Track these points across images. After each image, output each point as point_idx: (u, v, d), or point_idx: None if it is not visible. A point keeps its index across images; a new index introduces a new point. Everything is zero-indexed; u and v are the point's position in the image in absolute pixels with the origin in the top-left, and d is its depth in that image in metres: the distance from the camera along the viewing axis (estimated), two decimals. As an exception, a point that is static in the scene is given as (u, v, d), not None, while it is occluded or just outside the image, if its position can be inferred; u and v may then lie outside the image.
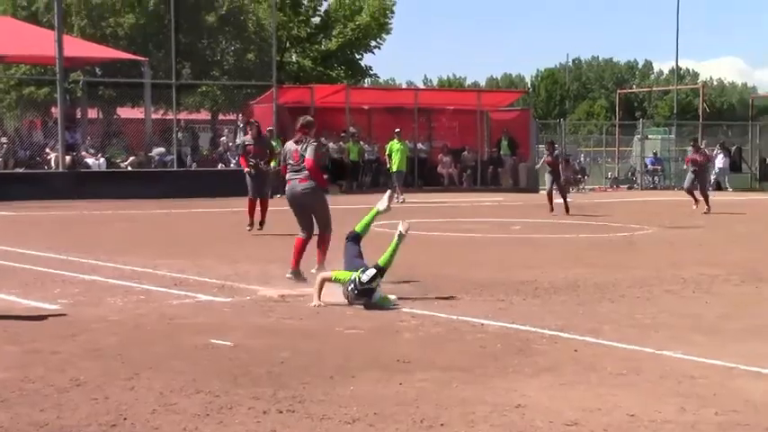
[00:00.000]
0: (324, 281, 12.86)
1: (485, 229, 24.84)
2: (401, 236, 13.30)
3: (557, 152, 31.89)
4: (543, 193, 45.02)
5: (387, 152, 38.58)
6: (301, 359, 9.64)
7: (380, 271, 12.62)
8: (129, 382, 8.68)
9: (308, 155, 14.96)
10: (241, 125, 45.91)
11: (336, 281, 12.79)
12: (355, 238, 13.72)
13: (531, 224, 26.80)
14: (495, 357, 9.73)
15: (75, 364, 9.34)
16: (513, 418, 7.56)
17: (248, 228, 22.45)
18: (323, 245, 15.14)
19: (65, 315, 12.22)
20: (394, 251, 13.06)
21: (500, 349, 10.12)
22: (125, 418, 7.52)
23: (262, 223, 22.67)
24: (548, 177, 31.37)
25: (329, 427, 7.33)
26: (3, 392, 8.29)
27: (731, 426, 7.48)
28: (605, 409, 7.83)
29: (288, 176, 15.26)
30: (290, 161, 15.17)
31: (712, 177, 51.33)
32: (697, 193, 32.12)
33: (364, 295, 12.44)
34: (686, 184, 32.80)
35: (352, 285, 12.47)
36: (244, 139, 25.22)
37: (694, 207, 31.50)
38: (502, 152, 48.28)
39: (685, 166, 33.35)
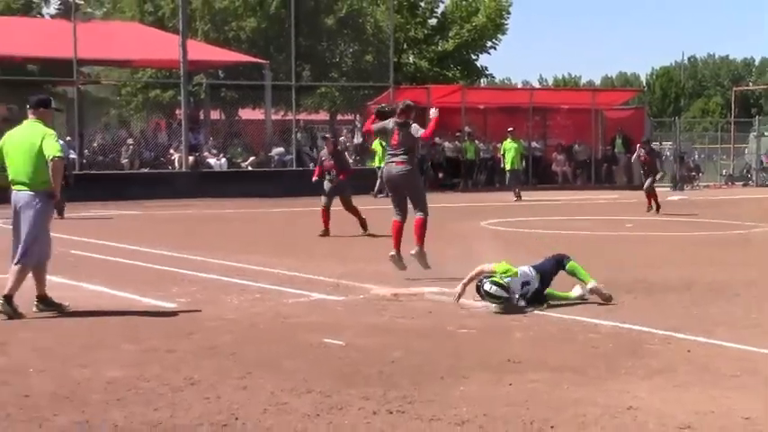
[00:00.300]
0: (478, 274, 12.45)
1: (598, 227, 24.45)
2: (581, 297, 12.81)
3: (649, 147, 30.99)
4: (659, 190, 44.72)
5: (501, 151, 38.46)
6: (413, 359, 9.51)
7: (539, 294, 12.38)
8: (242, 381, 8.64)
9: (419, 133, 15.30)
10: (359, 125, 46.04)
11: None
12: (559, 263, 12.90)
13: (645, 222, 26.32)
14: (607, 358, 9.51)
15: (190, 363, 9.34)
16: (624, 421, 7.36)
17: (321, 234, 22.01)
18: (419, 228, 15.11)
19: (182, 313, 12.28)
20: (561, 297, 12.72)
21: (612, 350, 9.90)
22: (237, 418, 7.47)
23: (364, 226, 22.28)
24: (643, 176, 30.54)
25: (438, 429, 7.19)
26: (119, 391, 8.31)
27: None
28: (719, 412, 7.59)
29: (386, 159, 15.58)
30: (389, 143, 15.37)
31: None
32: None
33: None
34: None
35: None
36: (321, 153, 24.65)
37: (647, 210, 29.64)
38: (616, 150, 47.87)
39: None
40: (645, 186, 29.87)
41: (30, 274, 12.12)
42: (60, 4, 50.42)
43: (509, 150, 37.16)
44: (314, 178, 23.26)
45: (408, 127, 15.17)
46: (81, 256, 18.19)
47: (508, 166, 37.28)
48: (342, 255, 18.18)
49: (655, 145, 51.77)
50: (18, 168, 11.99)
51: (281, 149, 42.66)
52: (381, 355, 9.68)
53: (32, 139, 12.05)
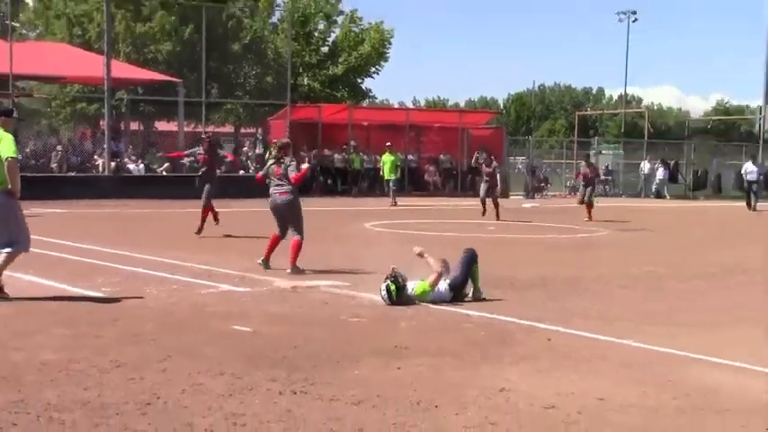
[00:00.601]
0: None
1: (465, 229, 24.49)
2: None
3: (494, 165, 29.70)
4: (513, 198, 45.21)
5: (381, 163, 38.68)
6: (312, 345, 9.39)
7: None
8: (162, 364, 8.45)
9: (291, 173, 15.14)
10: (260, 138, 45.82)
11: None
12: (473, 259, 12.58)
13: (504, 225, 26.45)
14: (480, 346, 9.48)
15: (116, 348, 9.11)
16: (498, 402, 7.34)
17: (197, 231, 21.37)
18: (295, 248, 14.99)
19: (107, 302, 11.99)
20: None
21: (484, 338, 9.89)
22: (158, 398, 7.30)
23: (200, 229, 21.35)
24: (483, 186, 29.24)
25: (337, 408, 7.09)
26: (52, 372, 8.08)
27: (687, 409, 7.28)
28: (578, 394, 7.61)
29: (271, 189, 15.38)
30: (273, 177, 15.29)
31: (654, 187, 51.40)
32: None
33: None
34: (581, 195, 31.05)
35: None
36: (196, 149, 23.78)
37: (586, 219, 28.91)
38: (480, 162, 48.02)
39: (575, 181, 31.50)
40: (585, 197, 29.93)
41: None
42: (-2, 26, 49.56)
43: (386, 162, 37.27)
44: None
45: (286, 162, 15.18)
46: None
47: (386, 176, 37.29)
48: (247, 251, 17.90)
49: (511, 159, 52.59)
50: None
51: (191, 158, 42.19)
52: (284, 341, 9.54)
53: None
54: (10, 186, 11.80)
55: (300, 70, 53.31)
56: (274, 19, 53.80)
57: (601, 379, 8.11)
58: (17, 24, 48.28)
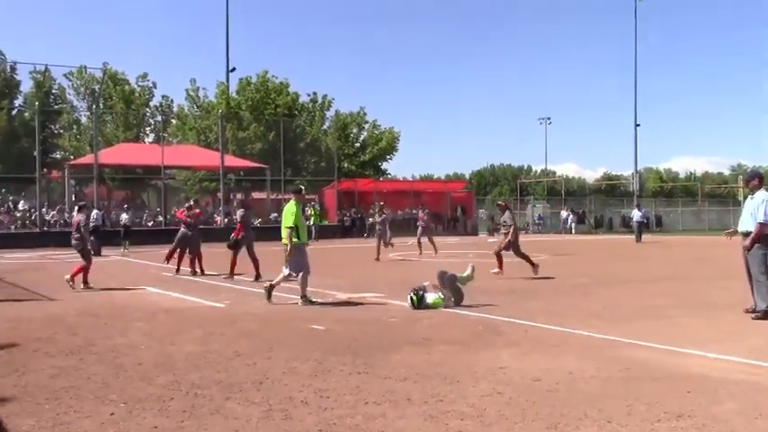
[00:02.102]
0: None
1: (454, 256, 23.79)
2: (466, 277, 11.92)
3: (384, 215, 24.29)
4: (480, 236, 44.61)
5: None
6: (366, 338, 8.83)
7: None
8: (267, 353, 7.93)
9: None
10: (317, 201, 45.51)
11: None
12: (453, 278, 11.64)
13: (478, 253, 25.66)
14: (480, 336, 8.87)
15: (236, 342, 8.60)
16: (500, 377, 6.76)
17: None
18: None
19: (228, 310, 11.52)
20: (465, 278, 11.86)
21: (482, 331, 9.26)
22: (267, 378, 6.77)
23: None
24: (378, 232, 23.74)
25: (390, 383, 6.53)
26: (194, 360, 7.60)
27: (631, 378, 6.67)
28: (553, 369, 7.02)
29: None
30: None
31: (572, 226, 50.63)
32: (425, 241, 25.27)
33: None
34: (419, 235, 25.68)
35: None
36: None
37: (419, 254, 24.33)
38: (458, 214, 47.90)
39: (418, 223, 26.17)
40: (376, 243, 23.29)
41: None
42: (155, 136, 49.69)
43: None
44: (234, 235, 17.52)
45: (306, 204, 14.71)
46: (170, 277, 17.19)
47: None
48: (316, 274, 17.33)
49: (481, 211, 52.05)
50: None
51: (275, 214, 42.07)
52: (347, 336, 8.98)
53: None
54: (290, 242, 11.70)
55: (342, 158, 53.11)
56: (325, 126, 53.66)
57: (567, 358, 7.52)
58: (166, 134, 48.30)
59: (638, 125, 55.69)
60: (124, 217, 30.17)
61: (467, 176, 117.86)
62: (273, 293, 12.18)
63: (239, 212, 17.40)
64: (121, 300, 12.91)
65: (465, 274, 11.97)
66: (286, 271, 11.91)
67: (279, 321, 10.26)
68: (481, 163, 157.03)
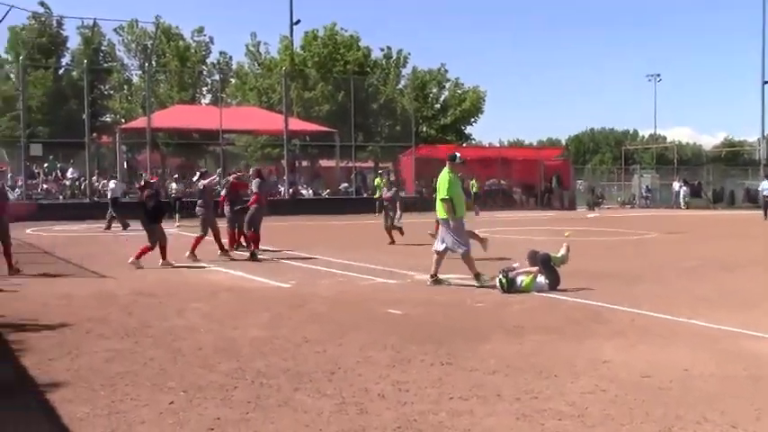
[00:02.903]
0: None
1: (546, 234, 23.56)
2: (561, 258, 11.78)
3: (394, 189, 21.01)
4: (579, 210, 43.86)
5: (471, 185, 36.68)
6: (450, 324, 8.83)
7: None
8: (339, 339, 8.02)
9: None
10: (392, 169, 45.61)
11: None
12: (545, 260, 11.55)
13: (577, 231, 25.29)
14: (579, 324, 8.76)
15: (304, 326, 8.72)
16: (603, 371, 6.65)
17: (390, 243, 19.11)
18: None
19: (295, 291, 11.69)
20: (560, 259, 11.74)
21: (581, 318, 9.14)
22: (339, 367, 6.85)
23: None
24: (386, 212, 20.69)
25: (478, 377, 6.51)
26: (260, 345, 7.75)
27: (757, 377, 6.47)
28: (665, 365, 6.86)
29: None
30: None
31: (682, 202, 49.30)
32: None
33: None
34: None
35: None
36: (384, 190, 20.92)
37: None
38: (553, 185, 47.33)
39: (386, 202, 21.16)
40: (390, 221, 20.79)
41: None
42: (212, 97, 50.49)
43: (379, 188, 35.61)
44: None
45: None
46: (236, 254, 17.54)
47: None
48: (390, 252, 17.46)
49: (579, 182, 51.29)
50: None
51: (345, 184, 42.54)
52: (429, 321, 9.01)
53: None
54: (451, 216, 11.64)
55: (420, 121, 52.89)
56: (401, 85, 53.46)
57: (679, 352, 7.35)
58: (224, 95, 49.07)
59: (766, 82, 53.41)
60: (174, 187, 30.80)
61: (563, 142, 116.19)
62: (440, 277, 11.89)
63: (255, 182, 17.43)
64: (178, 278, 13.25)
65: (559, 255, 11.82)
66: (441, 246, 11.78)
67: (351, 304, 10.36)
68: (579, 127, 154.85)
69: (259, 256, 16.31)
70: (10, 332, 8.49)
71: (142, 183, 16.63)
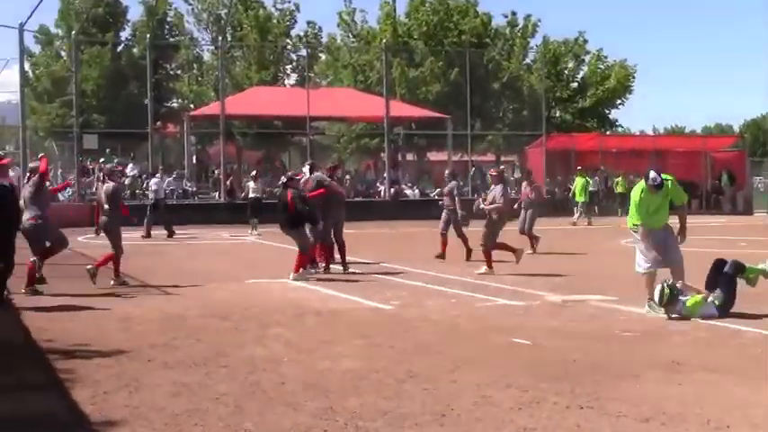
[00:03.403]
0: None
1: (718, 245, 22.81)
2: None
3: (456, 182, 20.31)
4: (758, 215, 42.38)
5: (573, 185, 36.00)
6: (590, 358, 8.68)
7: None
8: (452, 375, 8.00)
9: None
10: (517, 164, 45.31)
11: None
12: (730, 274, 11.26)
13: (754, 241, 24.53)
14: (759, 362, 8.46)
15: (408, 358, 8.75)
16: (792, 423, 6.40)
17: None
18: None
19: (397, 314, 11.76)
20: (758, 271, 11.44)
21: (762, 354, 8.81)
22: (452, 409, 6.83)
23: (467, 254, 18.87)
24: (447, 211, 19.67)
25: (626, 424, 6.38)
26: (354, 380, 7.82)
27: None
28: None
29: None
30: None
31: None
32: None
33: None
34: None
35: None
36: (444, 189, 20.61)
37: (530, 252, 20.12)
38: (723, 184, 46.15)
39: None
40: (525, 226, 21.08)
41: None
42: (297, 77, 51.10)
43: (578, 185, 34.60)
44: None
45: None
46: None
47: (576, 198, 34.35)
48: (514, 267, 17.33)
49: (757, 179, 49.84)
50: None
51: (459, 183, 42.32)
52: (563, 354, 8.88)
53: None
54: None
55: (553, 104, 52.48)
56: (528, 60, 53.13)
57: None
58: (312, 75, 49.74)
59: None
60: (251, 186, 31.15)
61: (735, 129, 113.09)
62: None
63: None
64: (257, 297, 13.49)
65: (759, 266, 11.42)
66: (644, 266, 11.56)
67: (466, 331, 10.32)
68: (757, 110, 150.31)
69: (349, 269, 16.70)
70: (60, 359, 8.80)
71: (285, 179, 17.10)
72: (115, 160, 41.13)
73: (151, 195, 28.34)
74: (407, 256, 19.67)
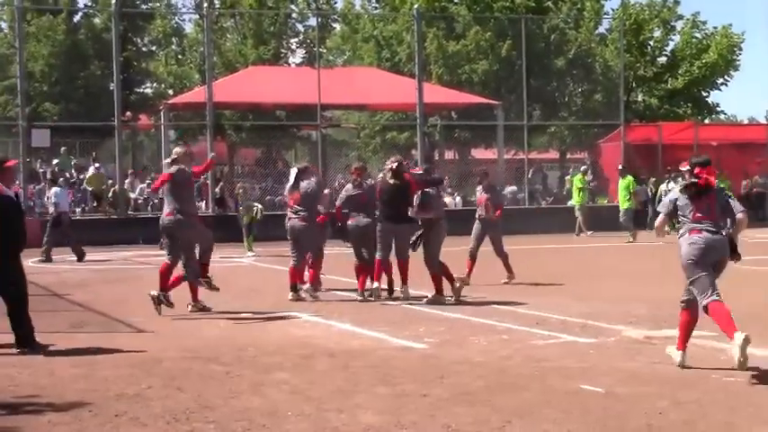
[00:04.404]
0: None
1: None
2: None
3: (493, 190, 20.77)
4: None
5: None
6: (681, 411, 8.71)
7: None
8: (501, 431, 8.01)
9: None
10: (588, 163, 45.10)
11: None
12: None
13: None
14: None
15: (446, 409, 8.82)
16: None
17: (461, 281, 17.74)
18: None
19: (431, 355, 11.82)
20: None
21: None
22: (503, 474, 6.87)
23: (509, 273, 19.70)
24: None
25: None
26: (377, 439, 7.85)
27: None
28: None
29: None
30: None
31: None
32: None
33: None
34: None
35: None
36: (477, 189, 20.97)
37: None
38: None
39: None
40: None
41: None
42: (305, 54, 51.15)
43: (620, 189, 34.53)
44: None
45: None
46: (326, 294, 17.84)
47: (621, 206, 34.18)
48: (583, 293, 17.34)
49: None
50: None
51: (513, 188, 42.33)
52: (646, 405, 8.91)
53: None
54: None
55: (634, 85, 52.38)
56: (602, 29, 53.04)
57: None
58: (324, 50, 49.74)
59: None
60: (242, 191, 31.63)
61: None
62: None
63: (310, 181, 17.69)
64: (253, 334, 13.59)
65: None
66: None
67: (521, 376, 10.38)
68: None
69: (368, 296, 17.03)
70: (3, 415, 8.89)
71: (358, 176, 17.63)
72: (73, 161, 41.22)
73: (51, 209, 28.16)
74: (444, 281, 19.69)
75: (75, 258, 26.56)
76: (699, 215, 10.62)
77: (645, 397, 9.26)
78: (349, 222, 17.55)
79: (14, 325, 12.18)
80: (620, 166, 36.30)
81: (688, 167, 11.15)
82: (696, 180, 10.76)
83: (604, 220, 35.96)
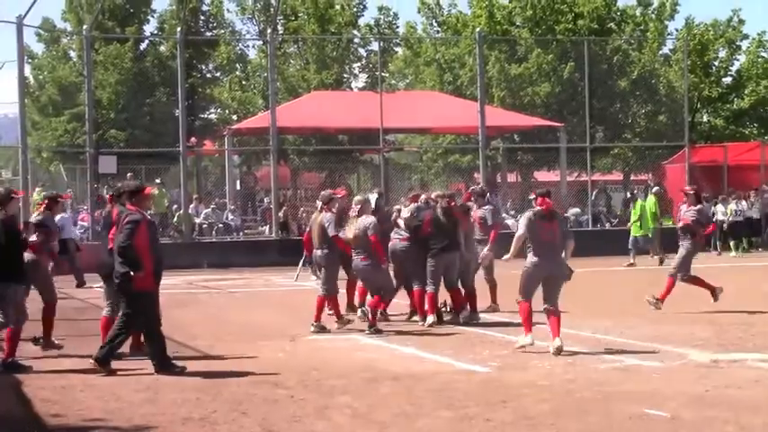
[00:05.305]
0: None
1: None
2: None
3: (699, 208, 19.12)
4: None
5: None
6: (748, 438, 8.64)
7: None
8: (566, 456, 8.02)
9: None
10: (651, 184, 44.72)
11: None
12: None
13: None
14: None
15: (509, 434, 8.78)
16: None
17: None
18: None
19: (495, 378, 11.81)
20: None
21: None
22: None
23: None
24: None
25: None
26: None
27: None
28: None
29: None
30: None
31: None
32: None
33: None
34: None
35: None
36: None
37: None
38: None
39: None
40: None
41: None
42: (367, 78, 51.30)
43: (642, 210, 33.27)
44: None
45: None
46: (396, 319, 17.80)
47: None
48: (649, 316, 17.21)
49: None
50: None
51: (576, 210, 42.08)
52: (712, 429, 8.82)
53: None
54: None
55: (698, 106, 51.96)
56: (666, 50, 52.69)
57: None
58: (386, 75, 49.87)
59: None
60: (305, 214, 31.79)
61: None
62: None
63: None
64: (317, 358, 13.65)
65: None
66: None
67: (585, 401, 10.36)
68: None
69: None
70: (72, 439, 9.01)
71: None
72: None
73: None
74: (510, 304, 19.60)
75: (76, 284, 26.18)
76: None
77: (711, 421, 9.20)
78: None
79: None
80: (652, 184, 35.74)
81: None
82: None
83: (669, 241, 35.37)
